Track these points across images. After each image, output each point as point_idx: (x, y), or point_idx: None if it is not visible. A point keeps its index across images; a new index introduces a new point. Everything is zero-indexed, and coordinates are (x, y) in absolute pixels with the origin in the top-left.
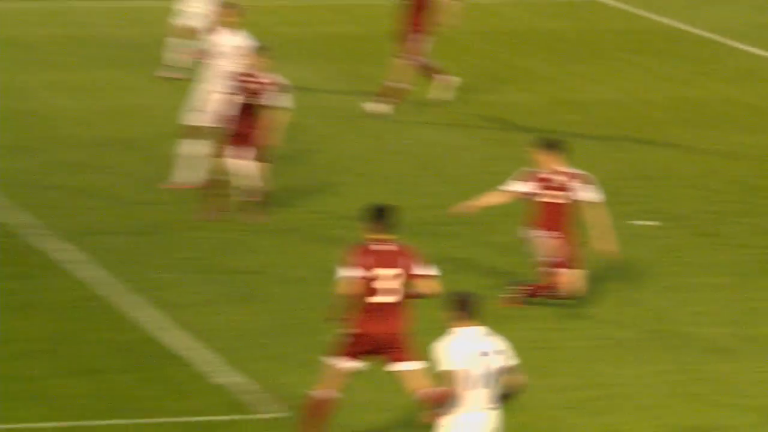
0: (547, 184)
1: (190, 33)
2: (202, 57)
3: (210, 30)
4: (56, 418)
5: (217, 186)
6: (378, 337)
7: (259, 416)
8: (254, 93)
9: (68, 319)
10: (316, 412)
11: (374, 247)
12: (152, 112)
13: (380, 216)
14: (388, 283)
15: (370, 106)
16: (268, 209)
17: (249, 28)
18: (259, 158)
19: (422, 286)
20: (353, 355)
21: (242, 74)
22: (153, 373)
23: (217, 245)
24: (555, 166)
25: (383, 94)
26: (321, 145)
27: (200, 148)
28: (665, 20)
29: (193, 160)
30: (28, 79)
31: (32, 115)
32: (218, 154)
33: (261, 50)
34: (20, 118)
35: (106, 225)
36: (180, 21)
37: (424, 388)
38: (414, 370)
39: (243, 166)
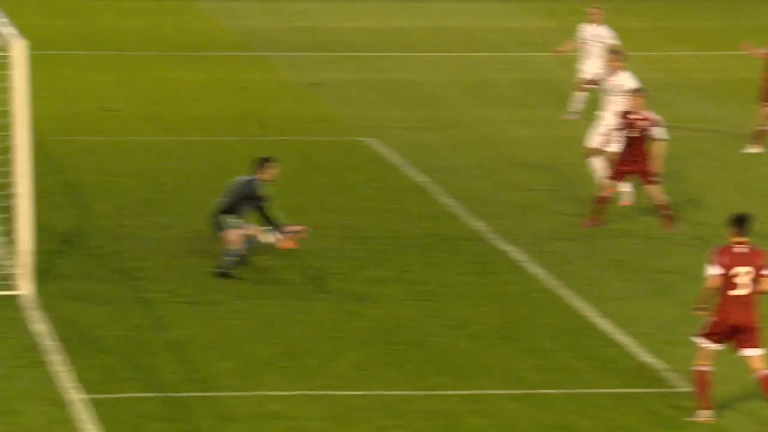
0: None
1: (587, 86)
2: (602, 94)
3: (605, 73)
4: (508, 387)
5: (604, 201)
6: (734, 324)
7: (670, 390)
8: (636, 128)
9: (519, 307)
10: (700, 383)
11: (734, 249)
12: (572, 141)
13: (740, 223)
14: (743, 279)
15: (748, 148)
16: (676, 221)
17: (670, 74)
18: (648, 180)
19: (765, 284)
20: (715, 338)
21: (627, 112)
22: (586, 352)
23: (637, 250)
24: None
25: (755, 137)
26: (724, 170)
27: (600, 165)
28: None
29: (597, 175)
30: (489, 113)
31: (491, 142)
32: (610, 177)
33: (639, 91)
34: (483, 145)
35: (547, 232)
36: (580, 77)
37: (763, 370)
38: (758, 356)
39: (629, 187)
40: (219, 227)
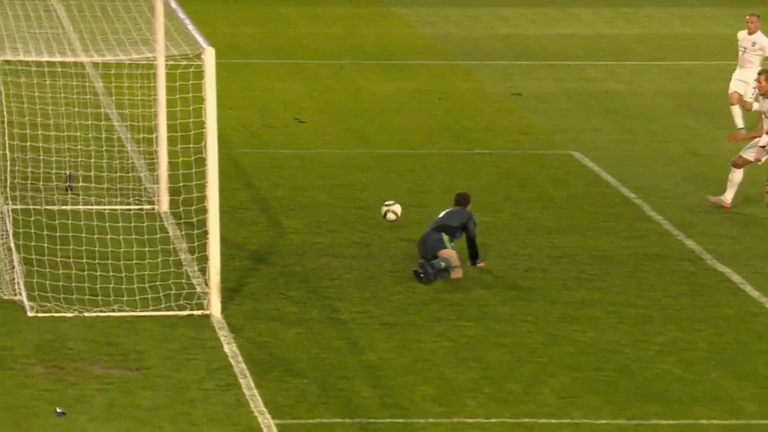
0: None
1: (739, 98)
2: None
3: (759, 94)
4: (723, 417)
5: None
6: None
7: None
8: None
9: (735, 331)
10: None
11: None
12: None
13: None
14: None
15: None
16: None
17: None
18: None
19: None
20: None
21: None
22: None
23: None
24: None
25: None
26: None
27: (740, 178)
28: None
29: (737, 186)
30: (702, 125)
31: (704, 156)
32: None
33: None
34: (695, 159)
35: (764, 252)
36: (732, 89)
37: None
38: None
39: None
40: (432, 247)
